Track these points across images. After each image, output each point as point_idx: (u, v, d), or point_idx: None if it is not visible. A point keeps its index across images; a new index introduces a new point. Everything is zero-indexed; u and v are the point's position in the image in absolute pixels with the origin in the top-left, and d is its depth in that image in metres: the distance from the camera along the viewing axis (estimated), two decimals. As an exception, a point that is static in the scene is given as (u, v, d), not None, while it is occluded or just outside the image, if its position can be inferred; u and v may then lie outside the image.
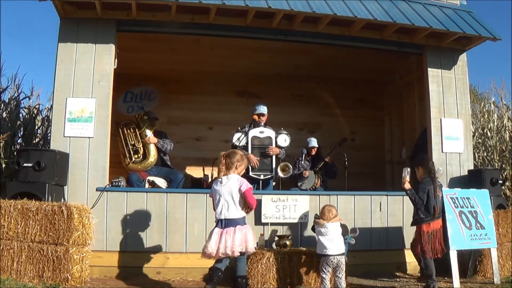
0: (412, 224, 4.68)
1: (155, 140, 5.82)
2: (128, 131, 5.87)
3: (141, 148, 5.81)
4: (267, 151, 5.63)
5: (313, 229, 4.52)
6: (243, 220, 4.02)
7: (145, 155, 5.78)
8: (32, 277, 4.08)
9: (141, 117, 5.96)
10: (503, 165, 7.93)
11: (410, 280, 5.01)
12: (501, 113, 9.03)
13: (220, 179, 4.09)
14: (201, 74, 7.31)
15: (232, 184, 4.01)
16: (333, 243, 4.25)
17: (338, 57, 6.99)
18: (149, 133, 5.84)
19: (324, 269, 4.24)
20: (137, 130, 5.88)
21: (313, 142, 6.51)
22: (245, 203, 4.03)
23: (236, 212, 3.98)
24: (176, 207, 5.08)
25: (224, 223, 3.97)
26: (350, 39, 5.89)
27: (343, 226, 4.52)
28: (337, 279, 4.24)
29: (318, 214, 4.50)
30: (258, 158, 5.61)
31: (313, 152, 6.50)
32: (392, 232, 5.44)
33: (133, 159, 5.74)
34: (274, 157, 5.69)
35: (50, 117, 6.25)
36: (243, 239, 3.91)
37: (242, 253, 3.97)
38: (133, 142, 5.82)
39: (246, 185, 4.02)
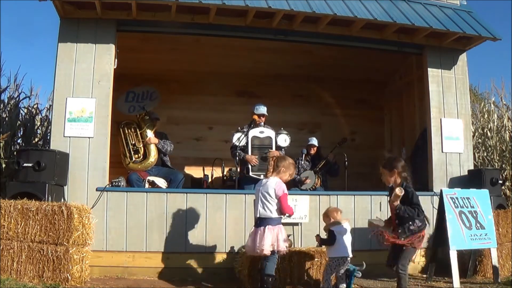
0: (406, 237, 3.86)
1: (156, 140, 5.83)
2: (129, 130, 5.88)
3: (142, 148, 5.82)
4: (267, 154, 5.63)
5: (325, 242, 4.27)
6: (276, 220, 4.08)
7: (146, 155, 5.79)
8: (32, 277, 4.07)
9: (142, 117, 5.97)
10: (503, 165, 7.93)
11: (410, 280, 5.01)
12: (501, 113, 9.02)
13: (262, 180, 4.25)
14: (201, 74, 7.31)
15: (269, 186, 4.11)
16: (349, 243, 4.19)
17: (338, 57, 7.00)
18: (150, 133, 5.85)
19: (333, 270, 4.13)
20: (138, 130, 5.89)
21: (313, 141, 6.53)
22: (280, 208, 4.10)
23: (269, 212, 4.06)
24: (176, 207, 5.07)
25: (258, 222, 4.10)
26: (350, 39, 5.89)
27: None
28: (339, 279, 4.22)
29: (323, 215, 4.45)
30: (257, 156, 5.62)
31: (313, 151, 6.51)
32: (392, 232, 5.43)
33: (134, 159, 5.75)
34: (274, 157, 5.69)
35: (50, 117, 6.25)
36: (274, 239, 3.99)
37: (272, 252, 4.03)
38: (133, 142, 5.83)
39: (281, 190, 4.08)
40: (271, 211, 4.05)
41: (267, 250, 3.96)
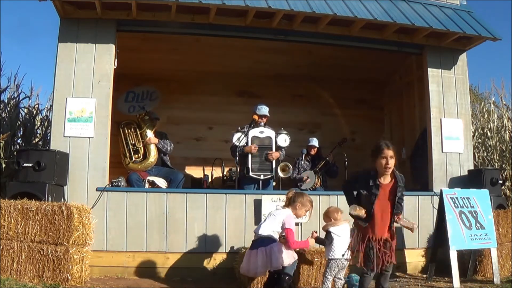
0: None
1: (156, 140, 5.83)
2: (129, 130, 5.88)
3: (142, 148, 5.82)
4: (268, 156, 5.63)
5: (320, 241, 4.26)
6: (268, 240, 4.03)
7: (146, 155, 5.79)
8: (32, 277, 4.07)
9: (142, 117, 5.97)
10: (503, 165, 7.93)
11: (410, 280, 5.01)
12: (501, 113, 9.02)
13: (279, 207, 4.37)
14: (201, 74, 7.31)
15: (280, 214, 4.14)
16: (347, 244, 4.13)
17: (338, 57, 6.99)
18: (150, 133, 5.85)
19: (332, 272, 4.13)
20: (138, 130, 5.89)
21: (313, 141, 6.53)
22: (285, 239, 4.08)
23: (265, 230, 4.08)
24: (176, 207, 5.08)
25: (252, 244, 4.13)
26: (350, 39, 5.89)
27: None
28: (338, 280, 4.21)
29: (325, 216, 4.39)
30: (256, 147, 5.61)
31: (313, 152, 6.51)
32: (392, 232, 5.42)
33: (133, 159, 5.75)
34: (274, 157, 5.70)
35: (50, 117, 6.25)
36: (267, 259, 3.97)
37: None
38: (133, 142, 5.83)
39: (290, 223, 4.05)
40: (265, 229, 4.08)
41: (259, 272, 4.02)
